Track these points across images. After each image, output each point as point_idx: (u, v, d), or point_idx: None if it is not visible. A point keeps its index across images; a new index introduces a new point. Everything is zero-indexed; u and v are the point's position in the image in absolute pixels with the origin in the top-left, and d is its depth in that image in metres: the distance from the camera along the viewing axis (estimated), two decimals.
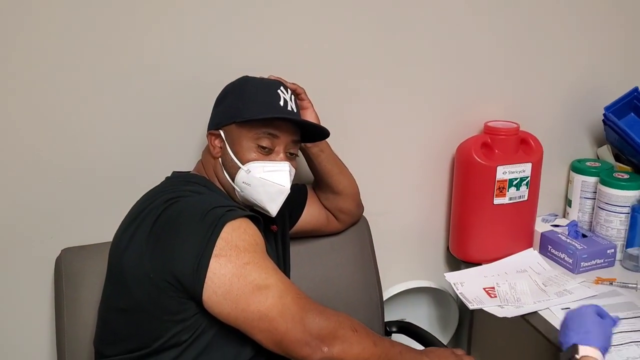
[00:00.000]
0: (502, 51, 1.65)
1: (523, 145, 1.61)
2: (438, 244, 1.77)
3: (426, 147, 1.66)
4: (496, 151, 1.57)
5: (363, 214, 1.56)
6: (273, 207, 1.19)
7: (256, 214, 1.13)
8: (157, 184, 1.21)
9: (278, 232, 1.32)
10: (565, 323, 1.16)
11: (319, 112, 1.34)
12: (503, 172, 1.56)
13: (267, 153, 1.18)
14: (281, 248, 1.33)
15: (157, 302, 1.04)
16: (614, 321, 1.16)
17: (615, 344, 1.26)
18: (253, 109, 1.16)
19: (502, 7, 1.60)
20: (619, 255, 1.62)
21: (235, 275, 1.02)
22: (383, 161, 1.63)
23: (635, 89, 1.65)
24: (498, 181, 1.56)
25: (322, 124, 1.29)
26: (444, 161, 1.69)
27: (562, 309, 1.39)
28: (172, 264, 1.03)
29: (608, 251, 1.59)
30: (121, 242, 1.09)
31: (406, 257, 1.74)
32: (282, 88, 1.21)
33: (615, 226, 1.62)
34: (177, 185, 1.16)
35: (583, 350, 1.06)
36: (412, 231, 1.73)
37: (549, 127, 1.74)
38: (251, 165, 1.16)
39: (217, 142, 1.20)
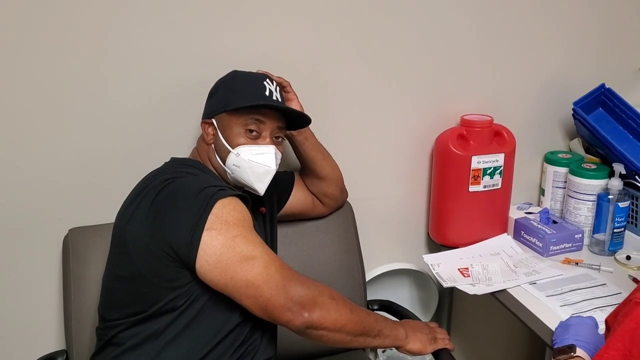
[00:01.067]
0: (479, 48, 1.75)
1: (497, 137, 1.71)
2: (419, 229, 1.87)
3: (407, 138, 1.76)
4: (471, 142, 1.68)
5: (348, 200, 1.67)
6: (261, 187, 1.30)
7: (245, 194, 1.25)
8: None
9: (267, 214, 1.43)
10: (566, 325, 1.26)
11: (305, 104, 1.45)
12: (478, 162, 1.67)
13: (254, 137, 1.29)
14: (269, 229, 1.43)
15: (155, 270, 1.16)
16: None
17: (583, 310, 1.40)
18: (242, 99, 1.27)
19: (479, 6, 1.71)
20: (586, 240, 1.73)
21: (225, 247, 1.13)
22: (366, 151, 1.74)
23: (602, 86, 1.76)
24: (473, 170, 1.67)
25: (308, 114, 1.40)
26: (423, 151, 1.79)
27: (530, 283, 1.52)
28: (169, 236, 1.14)
29: (576, 236, 1.70)
30: (124, 217, 1.22)
31: (388, 241, 1.84)
32: (268, 80, 1.32)
33: (583, 213, 1.73)
34: (174, 167, 1.28)
35: (579, 351, 1.16)
36: (394, 216, 1.83)
37: (522, 120, 1.84)
38: (240, 149, 1.28)
39: (210, 130, 1.32)
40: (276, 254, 1.43)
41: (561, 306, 1.43)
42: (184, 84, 1.52)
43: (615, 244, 1.67)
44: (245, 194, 1.27)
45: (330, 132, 1.60)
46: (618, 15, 1.87)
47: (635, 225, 1.70)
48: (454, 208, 1.73)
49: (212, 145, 1.32)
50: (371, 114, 1.71)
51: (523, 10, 1.77)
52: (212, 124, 1.31)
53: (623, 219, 1.66)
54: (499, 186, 1.72)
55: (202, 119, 1.35)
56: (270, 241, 1.43)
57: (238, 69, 1.36)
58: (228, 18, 1.51)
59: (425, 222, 1.87)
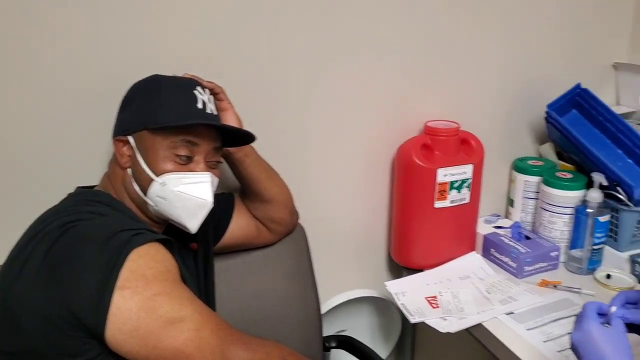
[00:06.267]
0: (440, 48, 1.56)
1: (464, 146, 1.53)
2: (379, 250, 1.69)
3: (365, 148, 1.56)
4: (436, 152, 1.49)
5: (299, 221, 1.45)
6: (193, 224, 1.07)
7: (168, 237, 1.01)
8: (60, 199, 1.08)
9: (199, 251, 1.20)
10: (577, 352, 0.90)
11: (244, 113, 1.22)
12: (444, 175, 1.48)
13: (185, 162, 1.05)
14: (202, 269, 1.21)
15: (52, 344, 0.91)
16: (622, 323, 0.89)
17: (568, 347, 1.20)
18: (168, 113, 1.03)
19: (438, 3, 1.52)
20: (562, 257, 1.57)
21: (143, 309, 0.90)
22: (319, 164, 1.53)
23: (578, 86, 1.60)
24: (439, 184, 1.48)
25: (248, 126, 1.18)
26: (384, 163, 1.60)
27: (507, 314, 1.35)
28: (69, 299, 0.89)
29: (552, 254, 1.54)
30: (10, 273, 0.95)
31: (346, 265, 1.65)
32: (199, 88, 1.09)
33: (558, 227, 1.57)
34: (76, 205, 1.02)
35: None
36: (351, 237, 1.63)
37: (489, 125, 1.66)
38: (167, 178, 1.04)
39: (125, 150, 1.07)
40: (213, 296, 1.22)
41: (544, 342, 1.26)
42: (93, 90, 1.24)
43: (594, 262, 1.52)
44: (168, 234, 1.02)
45: (276, 144, 1.39)
46: (586, 7, 1.70)
47: (615, 240, 1.55)
48: (418, 226, 1.54)
49: (129, 170, 1.07)
50: (324, 122, 1.49)
51: (486, 7, 1.58)
52: (129, 142, 1.06)
53: (603, 235, 1.50)
54: (467, 200, 1.54)
55: (114, 135, 1.09)
56: (205, 285, 1.21)
57: (159, 72, 1.11)
58: (149, 9, 1.25)
59: (386, 242, 1.68)
